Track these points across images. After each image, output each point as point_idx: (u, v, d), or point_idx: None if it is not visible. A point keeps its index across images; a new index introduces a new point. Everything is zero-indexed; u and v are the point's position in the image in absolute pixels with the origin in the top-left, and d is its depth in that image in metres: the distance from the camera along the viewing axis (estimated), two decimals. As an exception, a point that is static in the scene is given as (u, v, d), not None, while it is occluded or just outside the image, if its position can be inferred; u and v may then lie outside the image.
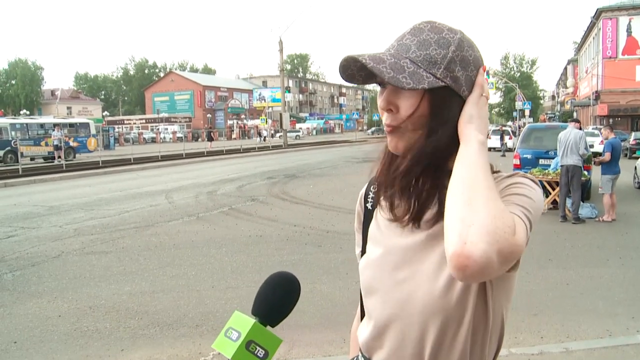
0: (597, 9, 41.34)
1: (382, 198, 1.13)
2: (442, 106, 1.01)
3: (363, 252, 1.23)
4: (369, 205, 1.25)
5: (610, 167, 9.74)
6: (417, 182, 1.06)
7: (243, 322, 0.96)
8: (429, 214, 1.06)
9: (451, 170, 0.96)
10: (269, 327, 0.99)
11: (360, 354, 1.19)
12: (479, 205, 0.86)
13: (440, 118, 1.01)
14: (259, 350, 0.95)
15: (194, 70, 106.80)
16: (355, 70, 1.06)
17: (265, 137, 53.29)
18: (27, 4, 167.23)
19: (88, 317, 5.24)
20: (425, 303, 1.03)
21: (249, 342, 0.94)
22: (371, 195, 1.25)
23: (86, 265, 7.15)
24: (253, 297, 1.03)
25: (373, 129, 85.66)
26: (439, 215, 1.03)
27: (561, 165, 9.72)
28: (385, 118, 1.06)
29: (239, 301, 5.50)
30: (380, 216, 1.16)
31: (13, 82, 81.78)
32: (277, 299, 1.02)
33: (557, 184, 10.14)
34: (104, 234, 9.05)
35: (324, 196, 13.08)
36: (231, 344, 0.94)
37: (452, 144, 1.01)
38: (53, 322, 5.13)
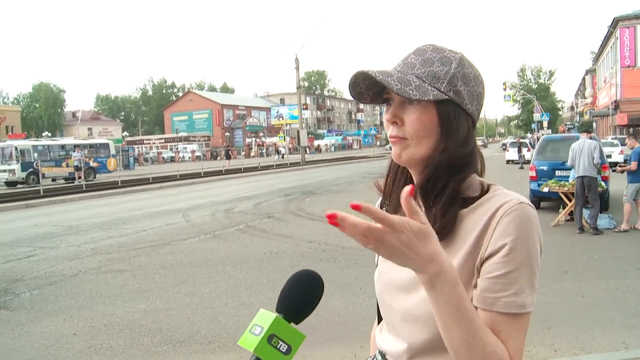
0: (614, 18, 40.93)
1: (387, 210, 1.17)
2: (448, 119, 1.06)
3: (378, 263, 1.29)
4: None
5: (638, 175, 9.64)
6: (427, 198, 1.09)
7: (266, 317, 0.97)
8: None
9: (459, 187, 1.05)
10: (292, 324, 0.99)
11: (377, 353, 1.24)
12: None
13: (448, 131, 1.06)
14: (281, 345, 0.95)
15: (211, 89, 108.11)
16: (364, 88, 1.12)
17: (283, 154, 53.51)
18: (51, 30, 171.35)
19: (102, 334, 5.31)
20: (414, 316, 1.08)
21: (271, 335, 0.94)
22: (385, 209, 1.27)
23: (102, 283, 7.25)
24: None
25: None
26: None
27: (576, 177, 9.62)
28: (390, 130, 1.11)
29: (252, 318, 5.48)
30: None
31: (37, 104, 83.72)
32: (299, 296, 1.03)
33: (574, 195, 10.01)
34: (120, 253, 9.16)
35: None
36: (253, 338, 0.95)
37: (463, 161, 1.06)
38: (68, 340, 5.20)
